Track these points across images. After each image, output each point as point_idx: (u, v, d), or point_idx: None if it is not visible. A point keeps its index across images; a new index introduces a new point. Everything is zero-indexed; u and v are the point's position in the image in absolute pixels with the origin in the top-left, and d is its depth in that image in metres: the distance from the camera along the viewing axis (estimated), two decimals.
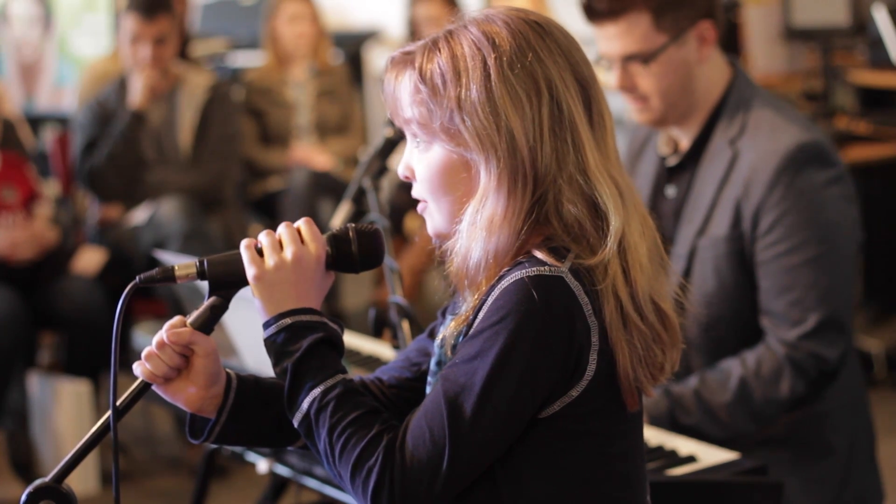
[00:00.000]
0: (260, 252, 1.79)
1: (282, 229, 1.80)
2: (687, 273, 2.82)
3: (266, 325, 1.77)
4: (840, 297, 2.76)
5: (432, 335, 1.94)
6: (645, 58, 2.77)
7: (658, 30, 2.76)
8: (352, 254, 1.82)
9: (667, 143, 2.95)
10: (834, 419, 2.86)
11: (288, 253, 1.78)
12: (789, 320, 2.75)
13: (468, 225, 1.77)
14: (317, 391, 1.73)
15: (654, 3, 2.75)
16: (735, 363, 2.77)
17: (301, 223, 1.81)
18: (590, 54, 1.86)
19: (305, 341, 1.75)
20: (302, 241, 1.79)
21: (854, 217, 2.83)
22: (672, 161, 2.92)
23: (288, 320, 1.76)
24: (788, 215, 2.74)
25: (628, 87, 2.81)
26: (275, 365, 1.77)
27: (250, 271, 1.78)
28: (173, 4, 5.34)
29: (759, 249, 2.77)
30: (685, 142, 2.90)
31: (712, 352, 2.83)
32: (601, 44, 2.83)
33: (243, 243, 1.80)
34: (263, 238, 1.80)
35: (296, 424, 1.76)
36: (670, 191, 2.91)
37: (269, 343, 1.77)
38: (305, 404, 1.74)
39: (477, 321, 1.74)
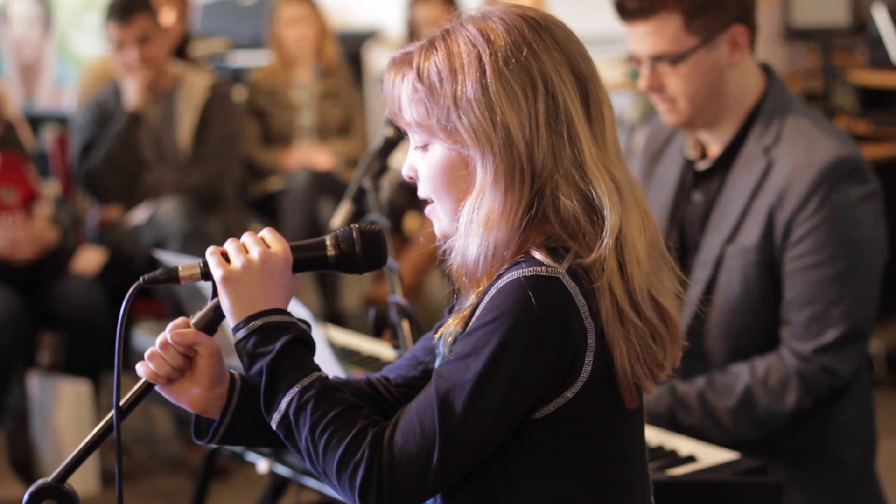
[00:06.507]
0: (226, 257, 1.79)
1: (245, 236, 1.81)
2: (713, 280, 2.80)
3: (235, 329, 1.76)
4: (861, 314, 2.75)
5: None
6: (673, 59, 2.75)
7: (689, 32, 2.74)
8: (356, 255, 1.83)
9: (693, 146, 2.92)
10: (847, 431, 2.85)
11: (254, 253, 1.78)
12: (808, 333, 2.73)
13: (466, 222, 1.76)
14: (294, 390, 1.73)
15: (686, 4, 2.72)
16: (744, 369, 2.76)
17: (264, 231, 1.82)
18: (595, 54, 1.86)
19: (278, 342, 1.74)
20: (266, 245, 1.80)
21: (883, 235, 2.81)
22: (702, 166, 2.89)
23: (258, 322, 1.75)
24: (820, 229, 2.72)
25: (656, 87, 2.79)
26: (248, 368, 1.77)
27: (217, 273, 1.77)
28: (150, 2, 5.33)
29: (787, 260, 2.74)
30: (716, 147, 2.87)
31: (733, 361, 2.80)
32: (631, 43, 2.81)
33: (208, 250, 1.79)
34: (228, 244, 1.80)
35: (274, 426, 1.75)
36: (697, 196, 2.88)
37: (241, 347, 1.76)
38: (283, 404, 1.73)
39: (473, 319, 1.74)
